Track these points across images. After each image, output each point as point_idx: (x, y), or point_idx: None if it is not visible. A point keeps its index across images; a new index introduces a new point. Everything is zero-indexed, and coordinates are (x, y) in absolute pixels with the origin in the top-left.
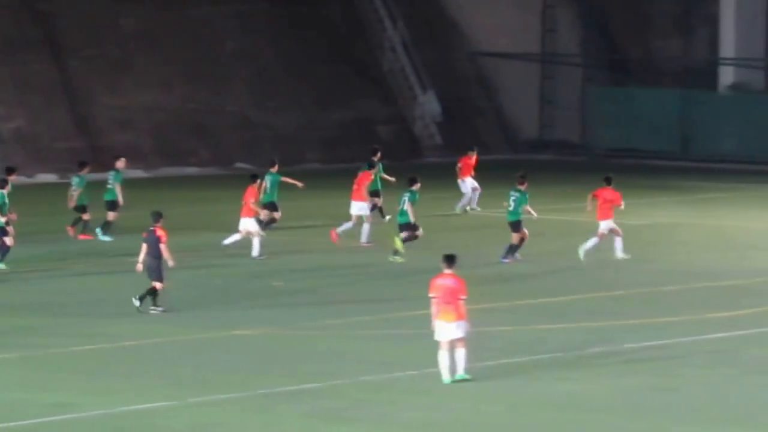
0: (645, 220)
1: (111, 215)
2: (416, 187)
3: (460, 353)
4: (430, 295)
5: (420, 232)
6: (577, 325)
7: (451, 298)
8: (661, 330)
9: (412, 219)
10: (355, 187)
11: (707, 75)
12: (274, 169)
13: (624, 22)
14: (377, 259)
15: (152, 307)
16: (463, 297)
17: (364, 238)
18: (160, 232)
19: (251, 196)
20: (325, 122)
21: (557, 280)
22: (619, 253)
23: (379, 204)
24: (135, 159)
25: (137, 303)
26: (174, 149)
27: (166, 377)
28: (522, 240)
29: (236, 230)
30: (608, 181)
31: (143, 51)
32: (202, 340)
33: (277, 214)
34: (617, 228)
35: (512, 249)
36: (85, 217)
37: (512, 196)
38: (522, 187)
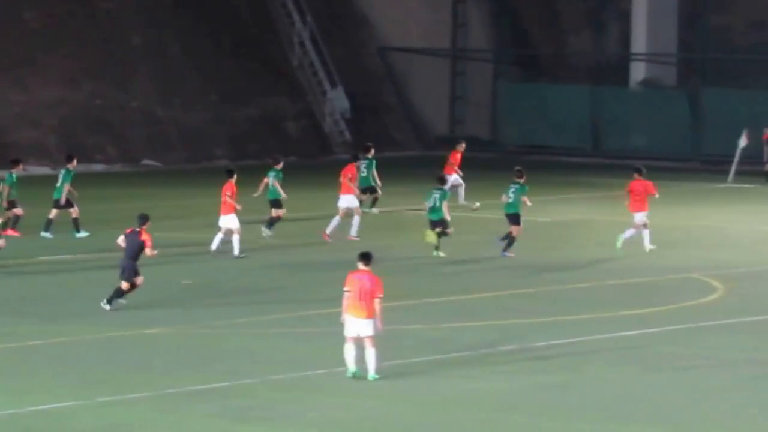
0: (556, 217)
1: (54, 213)
2: (447, 186)
3: (370, 353)
4: (345, 289)
5: (450, 230)
6: (488, 323)
7: (365, 295)
8: (571, 328)
9: (447, 217)
10: (341, 180)
11: (618, 71)
12: (279, 166)
13: (535, 18)
14: (334, 257)
15: (104, 303)
16: (380, 296)
17: (353, 231)
18: (145, 236)
19: (229, 192)
20: (233, 118)
21: (469, 278)
22: (648, 244)
23: (377, 196)
24: (40, 156)
25: (107, 307)
26: (80, 146)
27: (75, 377)
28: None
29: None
30: (639, 172)
31: (47, 46)
32: (112, 339)
33: (281, 212)
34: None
35: (511, 242)
36: (17, 212)
37: (511, 188)
38: (521, 180)
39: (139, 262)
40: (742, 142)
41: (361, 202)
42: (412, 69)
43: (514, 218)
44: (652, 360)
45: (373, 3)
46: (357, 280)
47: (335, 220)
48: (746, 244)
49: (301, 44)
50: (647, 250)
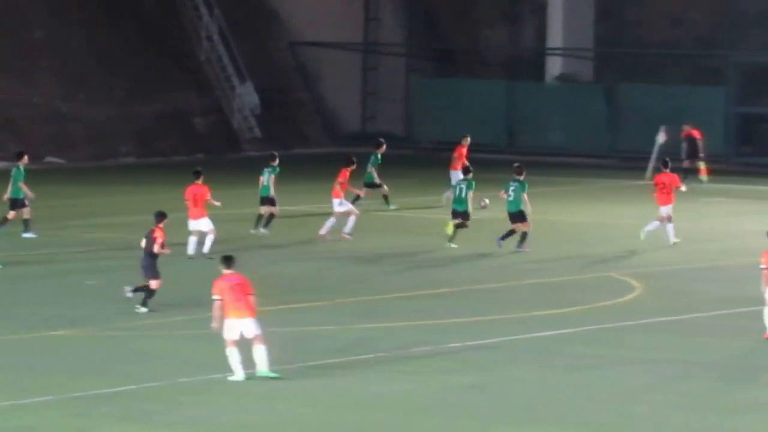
0: (471, 215)
1: (12, 214)
2: (470, 175)
3: (261, 350)
4: (214, 297)
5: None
6: (401, 324)
7: (240, 295)
8: (486, 328)
9: (470, 208)
10: (336, 186)
11: (534, 66)
12: (275, 163)
13: (450, 11)
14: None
15: (138, 306)
16: (252, 293)
17: (347, 228)
18: (156, 233)
19: (207, 195)
20: (140, 114)
21: (383, 279)
22: (672, 238)
23: (386, 193)
24: None
25: (129, 294)
26: None
27: None
28: (513, 231)
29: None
30: (665, 165)
31: None
32: (17, 341)
33: (275, 209)
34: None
35: (523, 238)
36: None
37: (511, 186)
38: (520, 177)
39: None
40: (660, 138)
41: (358, 197)
42: (323, 64)
43: (517, 216)
44: (569, 360)
45: None
46: (227, 283)
47: (331, 221)
48: (664, 242)
49: (209, 38)
50: (672, 243)
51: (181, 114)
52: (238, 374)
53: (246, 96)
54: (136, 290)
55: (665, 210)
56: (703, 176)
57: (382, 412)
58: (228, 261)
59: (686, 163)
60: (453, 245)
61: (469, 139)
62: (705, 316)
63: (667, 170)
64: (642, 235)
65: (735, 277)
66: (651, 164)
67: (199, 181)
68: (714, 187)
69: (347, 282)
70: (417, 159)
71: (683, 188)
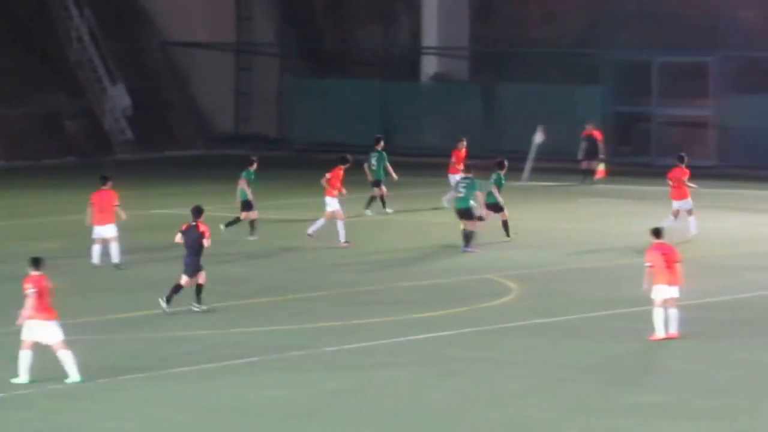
0: (346, 216)
1: None
2: (504, 170)
3: (65, 355)
4: (28, 291)
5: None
6: (278, 327)
7: (48, 298)
8: (363, 332)
9: (500, 200)
10: (330, 183)
11: (409, 65)
12: (253, 167)
13: (323, 10)
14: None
15: (198, 305)
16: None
17: (341, 238)
18: (203, 228)
19: (115, 201)
20: (8, 117)
21: (258, 282)
22: (693, 230)
23: (383, 194)
24: None
25: (165, 305)
26: None
27: None
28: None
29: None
30: (681, 160)
31: None
32: None
33: (253, 213)
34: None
35: (470, 237)
36: None
37: (461, 183)
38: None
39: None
40: (538, 138)
41: (374, 197)
42: (195, 64)
43: (465, 213)
44: (446, 363)
45: None
46: (34, 284)
47: (320, 222)
48: (541, 244)
49: (80, 39)
50: (692, 234)
51: (52, 116)
52: (23, 377)
53: (117, 98)
54: (168, 299)
55: (678, 204)
56: (599, 178)
57: (258, 417)
58: (36, 262)
59: (584, 164)
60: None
61: (465, 141)
62: (583, 318)
63: (682, 165)
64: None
65: (613, 278)
66: (529, 164)
67: (107, 187)
68: (592, 187)
69: (221, 285)
70: (290, 160)
71: (694, 186)
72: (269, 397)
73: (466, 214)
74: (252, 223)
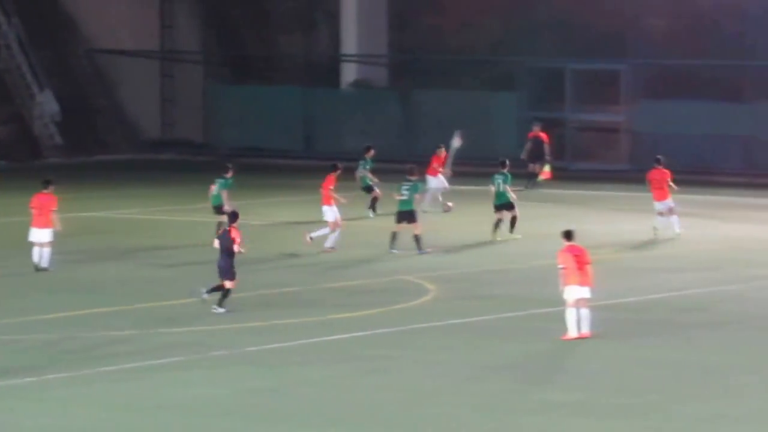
0: (269, 219)
1: None
2: (507, 168)
3: None
4: None
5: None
6: (199, 328)
7: None
8: (283, 332)
9: (512, 198)
10: (323, 192)
11: (330, 72)
12: (229, 174)
13: (245, 18)
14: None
15: (216, 307)
16: None
17: (328, 243)
18: (234, 234)
19: (53, 206)
20: None
21: (181, 283)
22: (677, 229)
23: (378, 196)
24: None
25: (205, 295)
26: None
27: None
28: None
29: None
30: (658, 162)
31: None
32: None
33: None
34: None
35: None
36: None
37: (404, 186)
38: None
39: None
40: (455, 143)
41: (376, 199)
42: (121, 71)
43: (407, 215)
44: (364, 363)
45: (81, 4)
46: None
47: (325, 231)
48: (459, 246)
49: (7, 46)
50: (676, 233)
51: None
52: None
53: (46, 104)
54: (211, 291)
55: (660, 205)
56: (544, 179)
57: (179, 415)
58: None
59: (530, 167)
60: (517, 236)
61: (443, 147)
62: (498, 318)
63: (660, 167)
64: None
65: (530, 279)
66: (447, 168)
67: (48, 191)
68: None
69: (146, 286)
70: (215, 165)
71: (674, 186)
72: (192, 395)
73: (409, 216)
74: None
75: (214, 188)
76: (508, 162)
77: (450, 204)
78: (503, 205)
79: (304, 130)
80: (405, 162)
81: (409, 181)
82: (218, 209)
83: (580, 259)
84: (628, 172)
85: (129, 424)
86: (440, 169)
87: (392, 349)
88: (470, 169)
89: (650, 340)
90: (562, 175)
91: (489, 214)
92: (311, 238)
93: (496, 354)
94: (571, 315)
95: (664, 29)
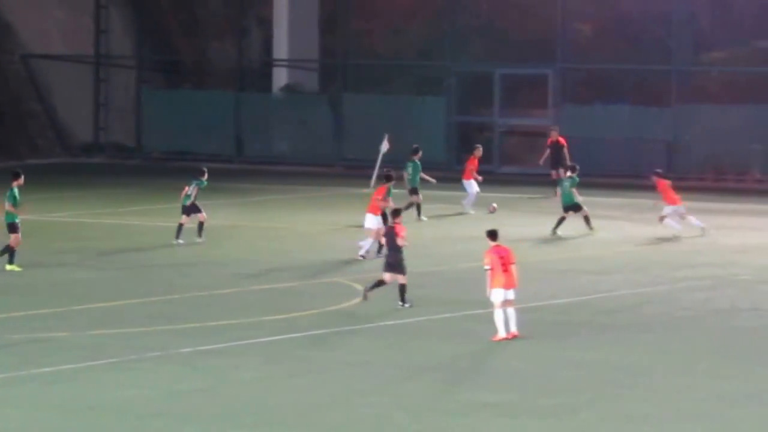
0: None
1: None
2: (576, 172)
3: None
4: None
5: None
6: (134, 329)
7: None
8: (216, 334)
9: (577, 200)
10: (372, 200)
11: (261, 77)
12: (204, 177)
13: (178, 23)
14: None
15: (401, 304)
16: None
17: (361, 251)
18: (398, 228)
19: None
20: None
21: (114, 284)
22: (698, 222)
23: (418, 201)
24: None
25: (406, 305)
26: None
27: None
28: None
29: None
30: (659, 174)
31: None
32: None
33: (201, 216)
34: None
35: (587, 221)
36: None
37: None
38: (574, 174)
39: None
40: (384, 147)
41: (411, 204)
42: (55, 76)
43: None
44: (296, 364)
45: (15, 9)
46: None
47: (369, 242)
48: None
49: None
50: (702, 227)
51: None
52: None
53: None
54: (373, 287)
55: (673, 209)
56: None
57: (113, 417)
58: None
59: (554, 174)
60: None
61: (480, 149)
62: (429, 320)
63: (662, 178)
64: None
65: (458, 281)
66: (375, 172)
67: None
68: (435, 194)
69: (79, 288)
70: (147, 169)
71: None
72: (124, 396)
73: (413, 191)
74: (200, 225)
75: (188, 189)
76: (577, 167)
77: (495, 205)
78: (572, 206)
79: (235, 135)
80: (334, 166)
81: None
82: (186, 209)
83: (505, 260)
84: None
85: (61, 426)
86: (474, 173)
87: (324, 350)
88: (399, 173)
89: (579, 341)
90: (491, 179)
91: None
92: (363, 257)
93: (427, 355)
94: (499, 316)
95: (591, 34)
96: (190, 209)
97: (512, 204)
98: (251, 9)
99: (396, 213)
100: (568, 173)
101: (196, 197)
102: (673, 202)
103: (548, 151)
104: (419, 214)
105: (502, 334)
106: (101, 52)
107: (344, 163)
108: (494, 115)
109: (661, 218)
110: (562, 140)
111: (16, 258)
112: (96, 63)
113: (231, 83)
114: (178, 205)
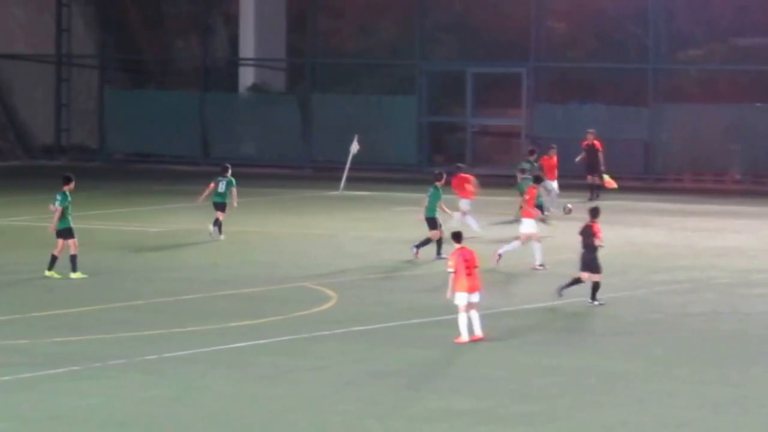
0: (165, 226)
1: None
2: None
3: None
4: None
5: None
6: (98, 336)
7: None
8: (182, 340)
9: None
10: (524, 204)
11: (227, 76)
12: (228, 173)
13: (142, 22)
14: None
15: (591, 301)
16: None
17: (537, 261)
18: (596, 228)
19: None
20: None
21: (78, 291)
22: None
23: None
24: None
25: (591, 302)
26: None
27: None
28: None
29: None
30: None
31: None
32: None
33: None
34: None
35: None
36: None
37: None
38: (438, 184)
39: None
40: (354, 148)
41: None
42: (16, 76)
43: (431, 222)
44: (264, 370)
45: None
46: None
47: (515, 245)
48: (358, 252)
49: None
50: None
51: None
52: None
53: None
54: (569, 285)
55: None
56: (609, 188)
57: (76, 426)
58: None
59: (589, 178)
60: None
61: (556, 149)
62: (398, 325)
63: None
64: None
65: (429, 286)
66: (345, 173)
67: None
68: (406, 196)
69: (41, 295)
70: (110, 171)
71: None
72: (88, 405)
73: (431, 223)
74: (217, 222)
75: (218, 186)
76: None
77: (570, 206)
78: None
79: (201, 135)
80: (302, 167)
81: (434, 186)
82: (219, 206)
83: (469, 263)
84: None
85: None
86: (554, 172)
87: (292, 356)
88: (369, 174)
89: (554, 346)
90: None
91: (387, 219)
92: (541, 266)
93: (396, 361)
94: (462, 319)
95: (565, 32)
96: (223, 207)
97: (485, 206)
98: (217, 6)
99: (594, 212)
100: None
101: (235, 195)
102: (467, 196)
103: (584, 154)
104: (439, 251)
105: (465, 337)
106: (63, 51)
107: (313, 164)
108: (466, 115)
109: (464, 213)
110: (598, 144)
111: None
112: (58, 63)
113: (196, 83)
114: (140, 209)
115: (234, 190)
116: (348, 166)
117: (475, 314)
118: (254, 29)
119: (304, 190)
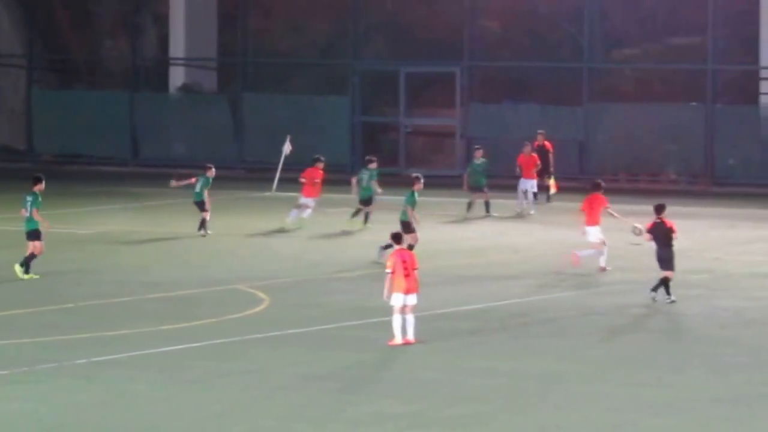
0: (94, 228)
1: None
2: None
3: None
4: None
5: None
6: (25, 340)
7: None
8: (113, 344)
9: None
10: (588, 211)
11: (157, 76)
12: (210, 173)
13: (70, 22)
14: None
15: (667, 298)
16: None
17: (602, 262)
18: (669, 223)
19: None
20: None
21: (8, 293)
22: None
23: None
24: None
25: (653, 295)
26: None
27: None
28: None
29: None
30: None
31: None
32: None
33: (206, 214)
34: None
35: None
36: None
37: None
38: (415, 188)
39: None
40: (286, 148)
41: (358, 211)
42: None
43: (404, 226)
44: (195, 374)
45: None
46: None
47: (592, 252)
48: (290, 254)
49: None
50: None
51: None
52: None
53: None
54: (657, 287)
55: (312, 201)
56: (553, 191)
57: (4, 430)
58: None
59: (539, 180)
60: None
61: (530, 146)
62: (332, 328)
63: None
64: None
65: (365, 287)
66: (278, 174)
67: None
68: (338, 197)
69: None
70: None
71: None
72: (16, 410)
73: (405, 226)
74: (203, 222)
75: (195, 185)
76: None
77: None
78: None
79: (130, 136)
80: (234, 168)
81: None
82: (197, 205)
83: (407, 265)
84: (461, 178)
85: None
86: (532, 170)
87: (224, 360)
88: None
89: (489, 349)
90: (396, 181)
91: (320, 221)
92: (603, 267)
93: (328, 364)
94: (397, 321)
95: (499, 31)
96: (202, 205)
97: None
98: (146, 5)
99: (660, 208)
100: (371, 165)
101: (209, 197)
102: (311, 195)
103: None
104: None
105: (398, 339)
106: None
107: (245, 165)
108: (400, 115)
109: (299, 206)
110: (548, 144)
111: None
112: None
113: (125, 83)
114: (69, 211)
115: (206, 191)
116: (280, 167)
117: (410, 317)
118: (184, 28)
119: (235, 191)
